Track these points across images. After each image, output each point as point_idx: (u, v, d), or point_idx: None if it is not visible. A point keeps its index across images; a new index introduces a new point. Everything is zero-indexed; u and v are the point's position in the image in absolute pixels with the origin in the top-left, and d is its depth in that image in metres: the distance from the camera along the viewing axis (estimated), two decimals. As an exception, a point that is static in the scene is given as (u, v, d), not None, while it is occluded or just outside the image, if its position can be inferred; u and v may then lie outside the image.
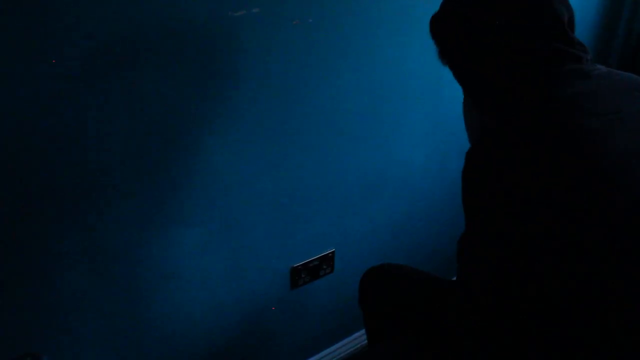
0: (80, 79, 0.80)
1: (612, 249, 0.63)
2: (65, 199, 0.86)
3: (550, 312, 0.68)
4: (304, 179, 1.18)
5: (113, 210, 0.92)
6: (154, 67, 0.87)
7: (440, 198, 1.52)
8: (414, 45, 1.21)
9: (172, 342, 1.13)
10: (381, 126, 1.26)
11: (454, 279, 0.92)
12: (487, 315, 0.79)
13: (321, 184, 1.21)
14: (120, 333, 1.03)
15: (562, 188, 0.65)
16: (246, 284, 1.20)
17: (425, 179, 1.45)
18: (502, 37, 0.74)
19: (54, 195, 0.84)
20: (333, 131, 1.17)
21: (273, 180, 1.12)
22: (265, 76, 1.01)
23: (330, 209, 1.27)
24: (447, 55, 0.83)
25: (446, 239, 1.61)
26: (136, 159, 0.91)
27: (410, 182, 1.42)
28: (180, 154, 0.96)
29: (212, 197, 1.04)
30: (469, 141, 0.92)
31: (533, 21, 0.74)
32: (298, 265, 1.28)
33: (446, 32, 0.81)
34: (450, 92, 1.34)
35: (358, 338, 1.57)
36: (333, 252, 1.34)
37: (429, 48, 1.23)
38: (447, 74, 1.34)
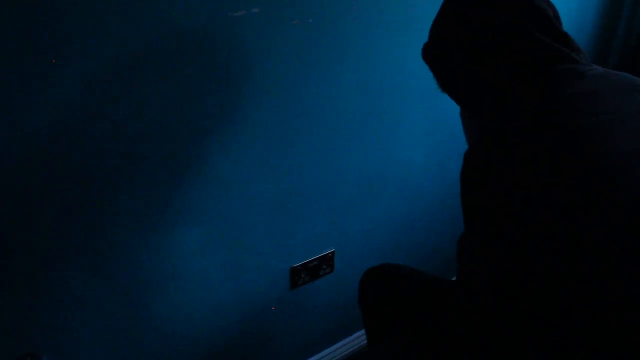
0: (80, 80, 0.80)
1: (612, 249, 0.63)
2: (65, 199, 0.86)
3: (550, 312, 0.68)
4: (304, 179, 1.18)
5: (113, 210, 0.92)
6: (154, 67, 0.87)
7: (440, 198, 1.52)
8: (414, 45, 1.21)
9: (172, 342, 1.13)
10: (381, 126, 1.26)
11: (454, 279, 0.92)
12: (487, 315, 0.79)
13: (321, 184, 1.21)
14: (120, 333, 1.03)
15: (562, 188, 0.65)
16: (246, 284, 1.20)
17: (425, 179, 1.45)
18: (502, 37, 0.74)
19: (54, 195, 0.84)
20: (333, 131, 1.17)
21: (273, 180, 1.12)
22: (266, 76, 1.01)
23: (330, 209, 1.27)
24: (441, 66, 0.83)
25: (446, 239, 1.61)
26: (136, 159, 0.91)
27: (410, 182, 1.42)
28: (180, 153, 0.96)
29: (212, 197, 1.04)
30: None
31: (533, 21, 0.74)
32: (298, 266, 1.28)
33: (446, 32, 0.81)
34: (450, 92, 1.34)
35: (358, 338, 1.57)
36: (333, 252, 1.34)
37: (429, 48, 1.23)
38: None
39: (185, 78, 0.91)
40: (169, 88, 0.89)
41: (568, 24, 1.08)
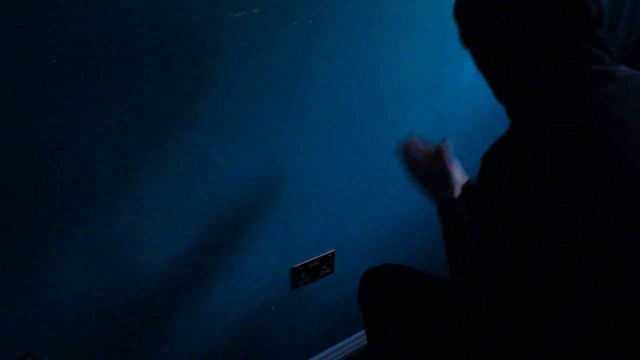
0: (81, 78, 0.80)
1: (612, 249, 0.63)
2: (65, 199, 0.86)
3: (550, 312, 0.69)
4: (304, 179, 1.18)
5: (113, 209, 0.92)
6: (154, 67, 0.87)
7: (440, 198, 1.52)
8: (414, 45, 1.21)
9: (172, 342, 1.13)
10: (381, 126, 1.26)
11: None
12: (487, 315, 0.79)
13: (321, 184, 1.21)
14: (120, 333, 1.03)
15: (562, 188, 0.65)
16: (246, 284, 1.20)
17: (425, 179, 1.45)
18: (502, 37, 0.74)
19: (54, 195, 0.84)
20: (333, 131, 1.17)
21: (273, 180, 1.12)
22: (266, 76, 1.01)
23: (330, 209, 1.27)
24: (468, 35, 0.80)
25: (446, 239, 1.61)
26: (136, 158, 0.91)
27: (410, 182, 1.42)
28: (180, 153, 0.96)
29: (212, 197, 1.04)
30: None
31: (533, 21, 0.74)
32: (298, 266, 1.28)
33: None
34: (450, 92, 1.34)
35: (358, 338, 1.57)
36: (333, 252, 1.34)
37: (429, 48, 1.24)
38: (447, 73, 1.34)
39: (185, 78, 0.91)
40: (169, 87, 0.89)
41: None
